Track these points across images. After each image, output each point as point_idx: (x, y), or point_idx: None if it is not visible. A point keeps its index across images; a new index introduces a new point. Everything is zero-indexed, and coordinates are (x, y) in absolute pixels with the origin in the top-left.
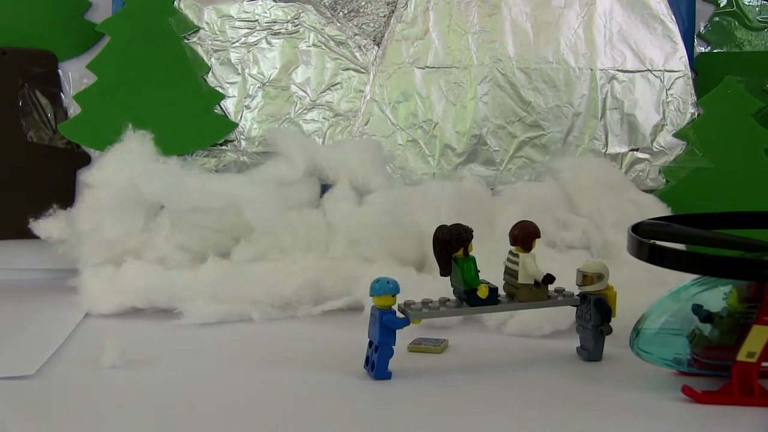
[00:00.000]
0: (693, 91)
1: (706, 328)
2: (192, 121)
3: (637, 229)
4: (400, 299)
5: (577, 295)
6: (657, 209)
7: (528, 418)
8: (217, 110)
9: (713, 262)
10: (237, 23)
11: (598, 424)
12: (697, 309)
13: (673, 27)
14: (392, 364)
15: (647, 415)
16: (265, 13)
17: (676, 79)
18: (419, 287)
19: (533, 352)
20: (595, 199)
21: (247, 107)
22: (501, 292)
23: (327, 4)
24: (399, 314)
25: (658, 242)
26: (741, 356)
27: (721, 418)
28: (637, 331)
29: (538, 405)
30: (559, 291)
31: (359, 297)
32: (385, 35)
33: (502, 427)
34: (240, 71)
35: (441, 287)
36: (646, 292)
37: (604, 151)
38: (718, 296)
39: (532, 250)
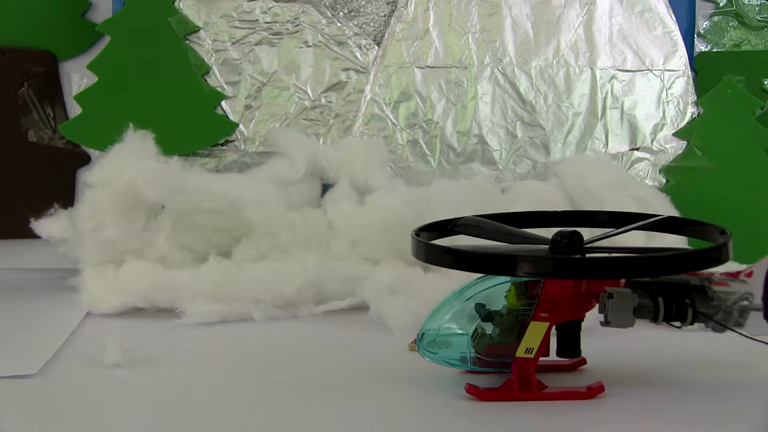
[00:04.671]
0: (693, 91)
1: (488, 327)
2: (192, 121)
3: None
4: None
5: None
6: (659, 204)
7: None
8: (218, 110)
9: (465, 257)
10: (237, 23)
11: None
12: (480, 308)
13: (673, 26)
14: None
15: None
16: (266, 12)
17: (676, 78)
18: (429, 287)
19: None
20: (598, 198)
21: (248, 107)
22: None
23: (327, 3)
24: None
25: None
26: (520, 352)
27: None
28: (421, 332)
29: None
30: None
31: (364, 297)
32: (386, 35)
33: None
34: (240, 71)
35: (450, 286)
36: None
37: (604, 150)
38: (500, 294)
39: None
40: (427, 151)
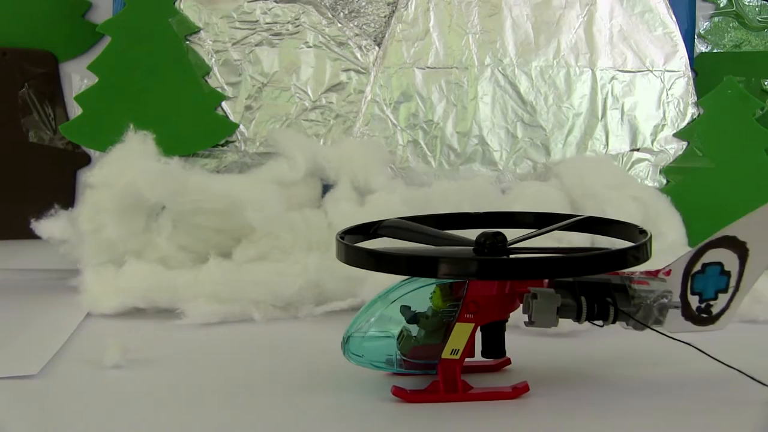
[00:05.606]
0: (693, 91)
1: (414, 329)
2: (193, 122)
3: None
4: None
5: None
6: (659, 204)
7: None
8: (218, 111)
9: (388, 259)
10: (238, 24)
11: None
12: (405, 310)
13: (673, 27)
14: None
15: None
16: (266, 13)
17: (676, 79)
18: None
19: None
20: (598, 199)
21: (248, 108)
22: None
23: (328, 4)
24: None
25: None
26: (445, 354)
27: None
28: (346, 335)
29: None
30: None
31: (364, 298)
32: (386, 36)
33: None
34: (241, 72)
35: None
36: None
37: (604, 151)
38: (425, 296)
39: None
40: (428, 152)
